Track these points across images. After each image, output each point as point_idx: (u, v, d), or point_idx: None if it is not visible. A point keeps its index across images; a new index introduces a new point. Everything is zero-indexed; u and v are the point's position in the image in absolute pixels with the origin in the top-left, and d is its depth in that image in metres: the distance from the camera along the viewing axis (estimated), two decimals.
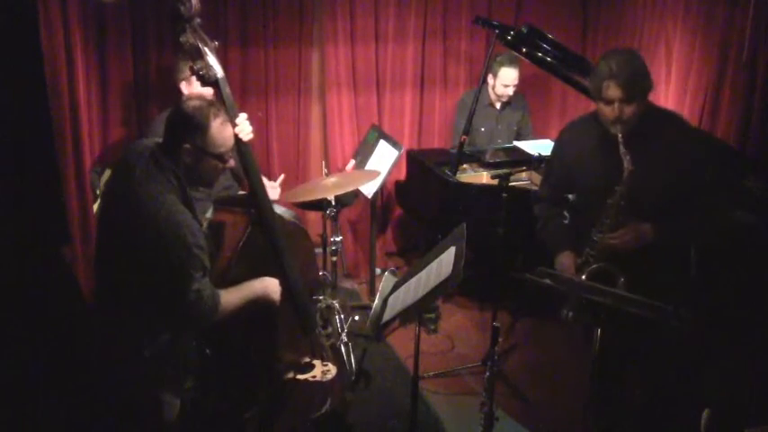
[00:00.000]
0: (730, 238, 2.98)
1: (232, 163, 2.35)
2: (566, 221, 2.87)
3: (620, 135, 2.51)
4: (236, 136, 2.35)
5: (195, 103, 2.23)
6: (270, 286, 2.47)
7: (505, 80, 4.46)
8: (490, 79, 4.49)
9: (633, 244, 2.57)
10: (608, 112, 2.53)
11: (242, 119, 2.39)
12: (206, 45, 2.37)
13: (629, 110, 2.50)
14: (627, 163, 2.49)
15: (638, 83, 2.50)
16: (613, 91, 2.48)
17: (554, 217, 2.89)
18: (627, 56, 2.56)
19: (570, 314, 2.60)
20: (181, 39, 2.33)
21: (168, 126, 2.25)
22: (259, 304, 2.43)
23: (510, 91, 4.51)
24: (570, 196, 2.86)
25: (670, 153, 2.56)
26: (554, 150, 2.97)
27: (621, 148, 2.49)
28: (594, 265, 2.61)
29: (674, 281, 2.65)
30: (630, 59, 2.53)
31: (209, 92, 2.56)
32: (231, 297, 2.33)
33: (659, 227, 2.57)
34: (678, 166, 2.55)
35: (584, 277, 2.59)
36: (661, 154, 2.56)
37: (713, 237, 2.82)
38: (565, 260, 2.73)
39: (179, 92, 3.56)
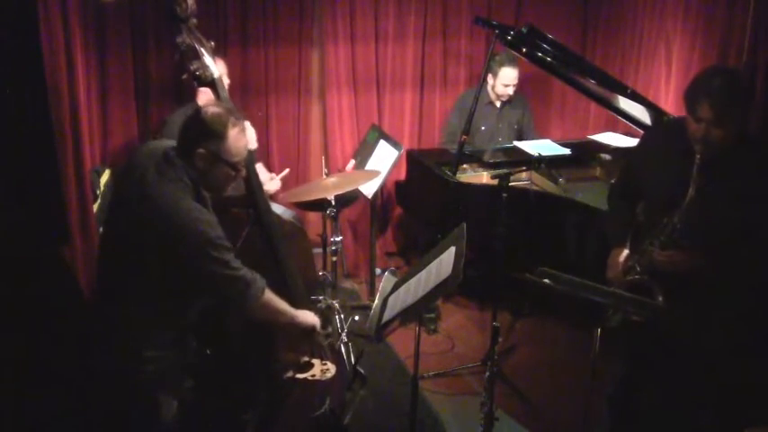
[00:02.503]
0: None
1: (243, 173, 2.35)
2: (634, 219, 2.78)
3: (698, 156, 2.36)
4: None
5: (215, 110, 2.22)
6: (308, 317, 2.53)
7: (505, 80, 4.46)
8: (490, 79, 4.48)
9: (679, 268, 2.45)
10: (695, 129, 2.37)
11: (246, 126, 2.38)
12: (202, 45, 2.37)
13: (716, 133, 2.33)
14: (692, 188, 2.35)
15: (732, 109, 2.33)
16: (705, 111, 2.32)
17: (620, 210, 2.82)
18: (730, 78, 2.38)
19: (611, 313, 2.49)
20: (177, 39, 2.33)
21: (184, 131, 2.24)
22: (292, 325, 2.47)
23: (510, 90, 4.50)
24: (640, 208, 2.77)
25: (743, 192, 2.39)
26: (638, 144, 2.87)
27: (695, 171, 2.35)
28: (637, 277, 2.55)
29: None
30: (732, 82, 2.36)
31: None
32: (276, 299, 2.36)
33: (711, 259, 2.43)
34: (747, 206, 2.38)
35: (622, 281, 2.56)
36: (735, 190, 2.39)
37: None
38: (615, 257, 2.67)
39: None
